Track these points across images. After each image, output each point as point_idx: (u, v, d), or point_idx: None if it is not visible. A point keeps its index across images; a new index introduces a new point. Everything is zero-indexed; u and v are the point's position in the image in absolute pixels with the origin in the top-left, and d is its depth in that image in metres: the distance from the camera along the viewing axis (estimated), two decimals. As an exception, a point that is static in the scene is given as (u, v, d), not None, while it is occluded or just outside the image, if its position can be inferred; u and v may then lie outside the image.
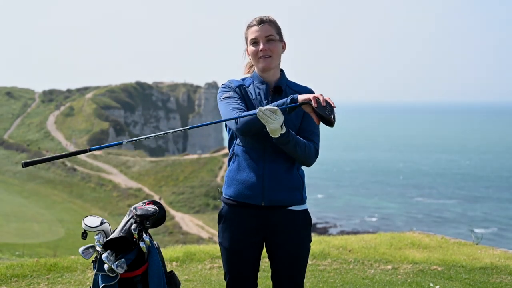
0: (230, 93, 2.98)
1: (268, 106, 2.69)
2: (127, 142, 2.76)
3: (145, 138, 2.72)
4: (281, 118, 2.69)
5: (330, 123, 2.73)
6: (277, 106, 2.75)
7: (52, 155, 2.66)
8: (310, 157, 2.91)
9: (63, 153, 2.65)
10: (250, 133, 2.86)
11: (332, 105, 2.71)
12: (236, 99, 2.95)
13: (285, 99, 2.79)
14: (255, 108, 2.95)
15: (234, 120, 2.83)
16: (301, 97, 2.74)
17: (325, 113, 2.69)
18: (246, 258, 2.99)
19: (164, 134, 2.79)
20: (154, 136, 2.74)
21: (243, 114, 2.80)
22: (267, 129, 2.74)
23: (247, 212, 2.95)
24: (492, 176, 79.81)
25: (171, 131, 2.80)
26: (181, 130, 2.84)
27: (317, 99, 2.70)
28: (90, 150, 2.65)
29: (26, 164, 2.60)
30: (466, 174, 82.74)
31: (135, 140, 2.76)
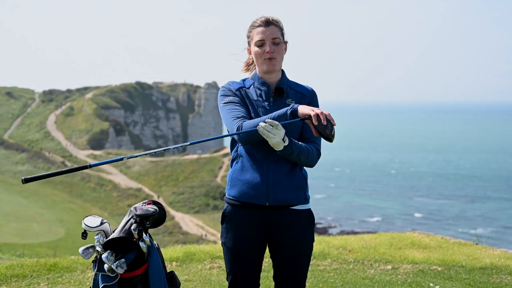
0: (231, 97, 2.97)
1: (269, 120, 2.71)
2: (128, 158, 2.78)
3: (146, 154, 2.77)
4: (282, 132, 2.72)
5: (329, 140, 2.77)
6: (278, 117, 2.77)
7: (52, 171, 2.68)
8: (313, 160, 2.94)
9: (64, 169, 2.67)
10: (252, 143, 2.88)
11: (333, 122, 2.71)
12: (237, 104, 2.95)
13: (285, 108, 2.80)
14: (256, 111, 2.96)
15: (235, 128, 2.84)
16: (302, 111, 2.74)
17: (325, 132, 2.73)
18: (250, 258, 2.99)
19: (164, 150, 2.80)
20: (155, 152, 2.77)
21: (243, 130, 2.79)
22: (269, 143, 2.76)
23: (251, 212, 2.95)
24: (490, 176, 79.85)
25: (171, 147, 2.80)
26: (181, 146, 2.83)
27: (317, 116, 2.70)
28: (90, 166, 2.68)
29: (26, 180, 2.62)
30: (464, 174, 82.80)
31: (135, 156, 2.78)
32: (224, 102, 2.97)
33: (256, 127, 2.74)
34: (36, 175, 2.64)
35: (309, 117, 2.73)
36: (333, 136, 2.74)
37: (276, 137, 2.71)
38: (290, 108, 2.77)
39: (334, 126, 2.75)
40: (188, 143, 2.84)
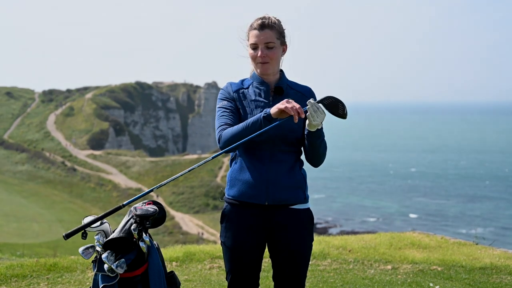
0: (225, 102, 3.00)
1: (312, 102, 2.78)
2: (157, 187, 2.84)
3: (173, 179, 2.85)
4: (323, 116, 2.80)
5: (343, 117, 2.89)
6: (252, 123, 2.79)
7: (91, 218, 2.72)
8: (325, 154, 3.00)
9: (101, 215, 2.71)
10: (233, 151, 2.96)
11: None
12: (227, 111, 2.97)
13: (259, 115, 2.81)
14: (255, 110, 2.96)
15: (217, 138, 2.93)
16: (273, 111, 2.76)
17: (338, 112, 2.86)
18: (249, 258, 2.99)
19: (190, 170, 2.87)
20: (179, 176, 2.83)
21: (222, 140, 2.86)
22: (308, 122, 2.81)
23: (250, 211, 2.95)
24: (489, 176, 79.86)
25: (196, 166, 2.86)
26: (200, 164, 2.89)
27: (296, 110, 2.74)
28: (123, 206, 2.75)
29: (67, 236, 2.65)
30: (463, 174, 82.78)
31: (163, 185, 2.86)
32: (218, 106, 3.02)
33: (234, 134, 2.81)
34: (76, 228, 2.66)
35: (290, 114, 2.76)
36: (346, 113, 2.86)
37: (318, 120, 2.78)
38: (263, 113, 2.79)
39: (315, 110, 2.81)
40: (202, 162, 2.88)
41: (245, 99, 3.00)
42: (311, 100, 2.79)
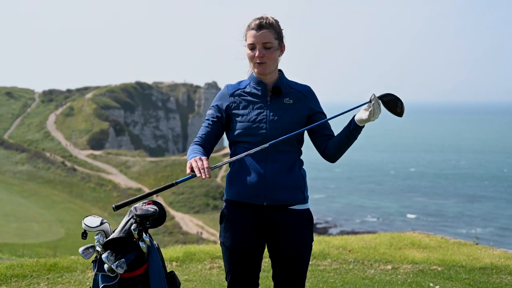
0: (211, 111, 3.04)
1: (376, 98, 2.81)
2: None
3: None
4: (379, 114, 2.84)
5: (400, 115, 2.91)
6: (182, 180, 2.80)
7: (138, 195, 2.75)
8: None
9: (153, 190, 2.77)
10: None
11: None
12: (206, 122, 3.02)
13: (192, 156, 2.80)
14: (251, 111, 2.96)
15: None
16: (188, 164, 2.75)
17: (396, 111, 2.90)
18: (248, 258, 2.99)
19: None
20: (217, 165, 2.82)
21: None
22: (367, 117, 2.81)
23: (249, 211, 2.95)
24: (489, 176, 79.86)
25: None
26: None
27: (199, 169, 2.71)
28: (176, 183, 2.77)
29: (117, 208, 2.75)
30: (463, 174, 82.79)
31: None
32: (207, 113, 3.07)
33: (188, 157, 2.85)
34: (126, 201, 2.76)
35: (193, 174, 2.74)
36: (403, 112, 2.89)
37: (376, 115, 2.82)
38: (191, 157, 2.79)
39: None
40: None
41: (242, 100, 3.00)
42: (376, 95, 2.82)
